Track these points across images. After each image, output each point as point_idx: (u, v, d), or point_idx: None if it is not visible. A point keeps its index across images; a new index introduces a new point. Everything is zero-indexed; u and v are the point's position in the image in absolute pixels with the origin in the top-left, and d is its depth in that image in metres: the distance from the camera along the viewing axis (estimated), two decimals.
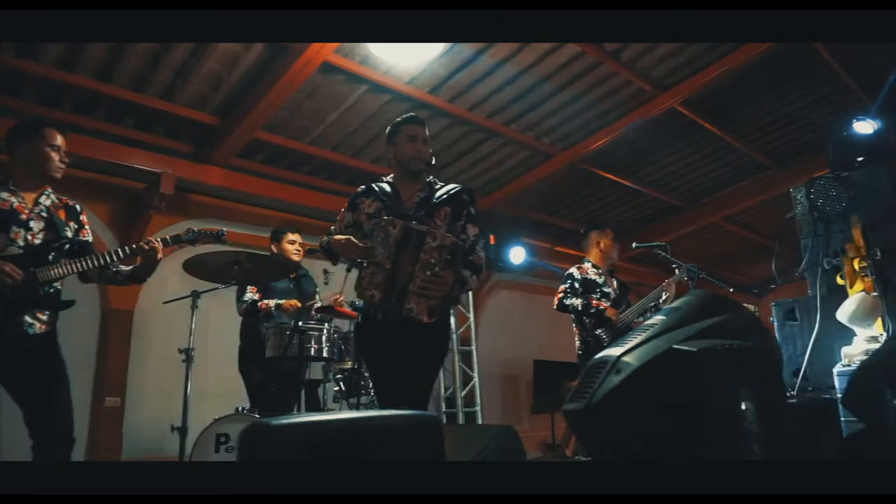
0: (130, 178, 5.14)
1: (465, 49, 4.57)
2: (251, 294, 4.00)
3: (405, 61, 4.56)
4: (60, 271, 2.51)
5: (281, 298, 3.96)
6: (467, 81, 4.98)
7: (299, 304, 3.85)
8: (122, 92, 4.46)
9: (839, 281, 3.18)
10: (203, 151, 5.21)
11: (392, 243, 2.31)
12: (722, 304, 1.79)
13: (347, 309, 4.04)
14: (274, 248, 4.12)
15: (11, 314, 2.42)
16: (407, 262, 2.29)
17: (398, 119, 2.67)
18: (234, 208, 5.79)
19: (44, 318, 2.53)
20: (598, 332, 4.09)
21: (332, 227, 2.65)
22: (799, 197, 3.56)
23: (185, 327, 3.65)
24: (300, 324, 3.51)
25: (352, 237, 2.44)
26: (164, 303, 3.78)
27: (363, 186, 2.62)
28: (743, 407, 1.47)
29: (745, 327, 1.72)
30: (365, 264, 2.38)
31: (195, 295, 3.63)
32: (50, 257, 2.54)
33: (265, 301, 3.96)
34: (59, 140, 2.62)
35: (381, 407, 2.56)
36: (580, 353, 4.21)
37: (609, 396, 1.55)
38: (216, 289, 3.58)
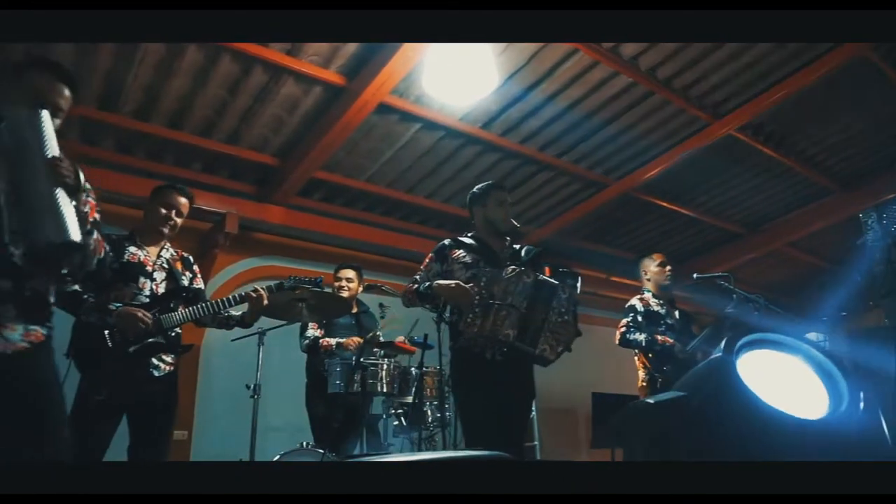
0: (197, 219, 5.38)
1: (515, 86, 4.63)
2: (313, 331, 4.10)
3: (457, 99, 4.65)
4: (181, 317, 2.76)
5: (342, 334, 4.04)
6: (518, 116, 5.02)
7: (360, 340, 3.91)
8: (190, 138, 4.71)
9: None
10: (264, 191, 5.42)
11: (526, 290, 2.63)
12: None
13: (408, 345, 4.09)
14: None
15: (141, 357, 2.66)
16: (540, 308, 2.63)
17: (484, 185, 3.06)
18: (295, 245, 5.97)
19: (168, 360, 2.78)
20: (665, 368, 3.94)
21: (418, 276, 2.95)
22: (870, 222, 3.42)
23: (250, 363, 3.75)
24: (362, 359, 3.57)
25: (460, 281, 2.71)
26: (233, 340, 3.90)
27: (449, 240, 2.97)
28: None
29: None
30: (476, 308, 2.60)
31: (261, 332, 3.75)
32: (171, 305, 2.79)
33: (326, 339, 4.05)
34: (182, 203, 2.90)
35: (473, 443, 2.67)
36: (644, 385, 4.06)
37: None
38: (281, 326, 3.69)
